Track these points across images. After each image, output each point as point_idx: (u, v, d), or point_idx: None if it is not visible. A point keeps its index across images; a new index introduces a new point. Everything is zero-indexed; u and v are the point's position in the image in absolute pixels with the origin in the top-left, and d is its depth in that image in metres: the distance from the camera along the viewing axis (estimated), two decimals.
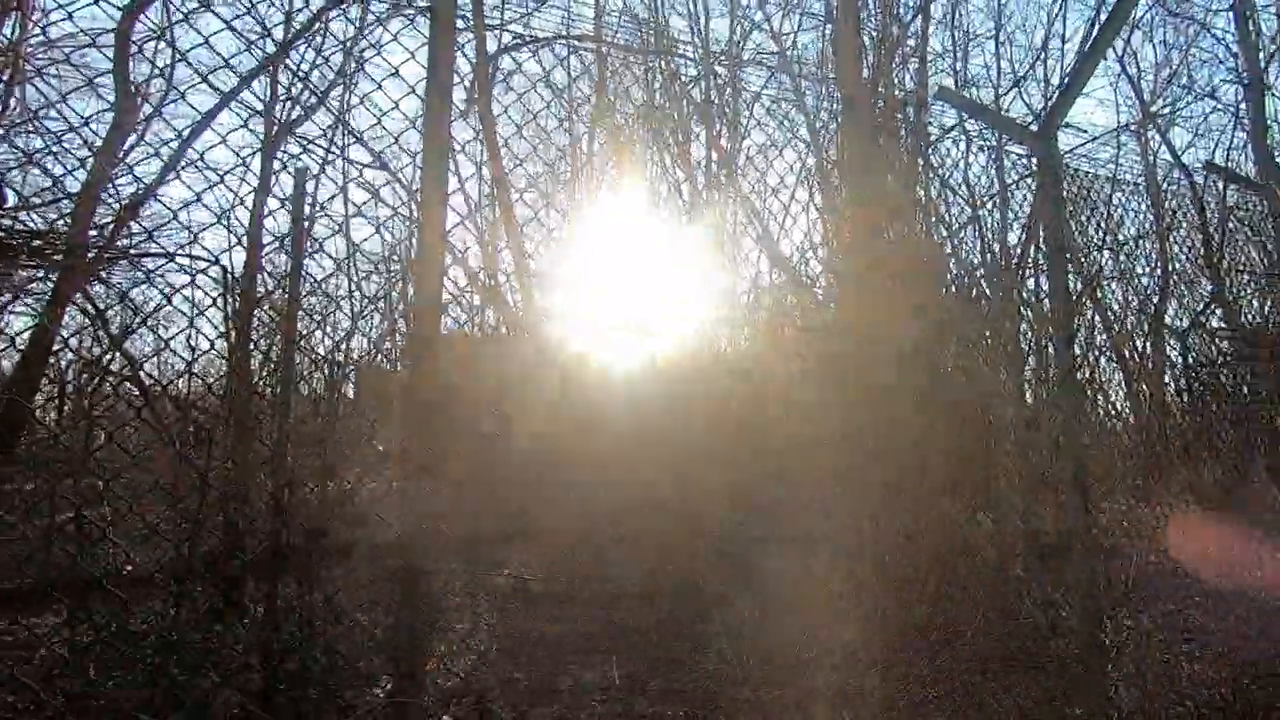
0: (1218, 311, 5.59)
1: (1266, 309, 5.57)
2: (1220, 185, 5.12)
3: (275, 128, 5.09)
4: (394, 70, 2.56)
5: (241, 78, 4.63)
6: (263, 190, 4.78)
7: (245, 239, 4.33)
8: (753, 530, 4.83)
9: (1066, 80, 2.45)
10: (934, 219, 5.44)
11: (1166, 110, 9.19)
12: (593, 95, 6.06)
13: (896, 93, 5.03)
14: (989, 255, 5.24)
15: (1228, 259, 5.43)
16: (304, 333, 4.42)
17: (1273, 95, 6.15)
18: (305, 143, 5.37)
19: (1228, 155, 8.69)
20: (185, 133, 4.43)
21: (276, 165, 5.26)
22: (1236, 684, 2.71)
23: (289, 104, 5.24)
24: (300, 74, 5.05)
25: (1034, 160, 2.70)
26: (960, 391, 5.04)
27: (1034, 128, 2.21)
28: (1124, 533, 4.09)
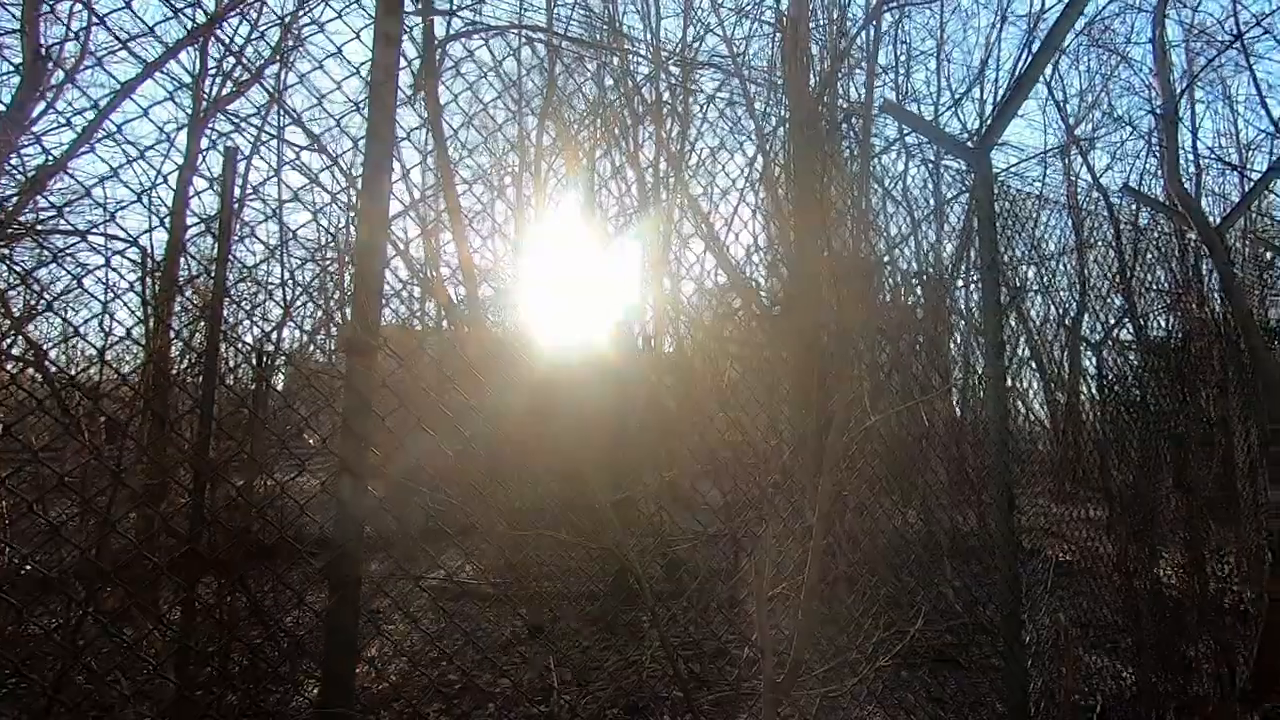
0: (1129, 326, 5.95)
1: (1170, 326, 5.96)
2: (1134, 207, 5.44)
3: (204, 103, 4.82)
4: (337, 50, 2.45)
5: (168, 47, 4.36)
6: (188, 168, 4.51)
7: (168, 219, 4.08)
8: (692, 528, 4.86)
9: (1003, 100, 2.55)
10: (874, 228, 5.60)
11: (1088, 135, 9.73)
12: (544, 88, 5.98)
13: (843, 103, 5.15)
14: (925, 265, 5.43)
15: (1138, 277, 5.78)
16: (231, 321, 4.20)
17: (1183, 125, 6.60)
18: (237, 120, 5.11)
19: (1141, 178, 9.27)
20: (103, 103, 4.15)
21: (204, 143, 4.98)
22: (1142, 678, 2.88)
23: (220, 79, 4.97)
24: (233, 48, 4.79)
25: (970, 176, 2.80)
26: (892, 396, 5.21)
27: (971, 144, 2.29)
28: (1043, 533, 4.29)
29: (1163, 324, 6.03)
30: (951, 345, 6.44)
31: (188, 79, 4.98)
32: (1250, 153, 10.28)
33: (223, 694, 2.81)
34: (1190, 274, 4.74)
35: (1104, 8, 9.16)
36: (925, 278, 6.32)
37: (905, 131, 4.73)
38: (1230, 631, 3.24)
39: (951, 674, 2.86)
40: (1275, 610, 3.11)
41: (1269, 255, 4.98)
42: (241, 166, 4.61)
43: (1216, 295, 4.52)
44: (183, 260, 4.13)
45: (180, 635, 2.49)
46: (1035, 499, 4.59)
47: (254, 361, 3.82)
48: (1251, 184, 4.33)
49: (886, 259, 5.58)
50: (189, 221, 4.40)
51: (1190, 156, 8.49)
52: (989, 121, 2.76)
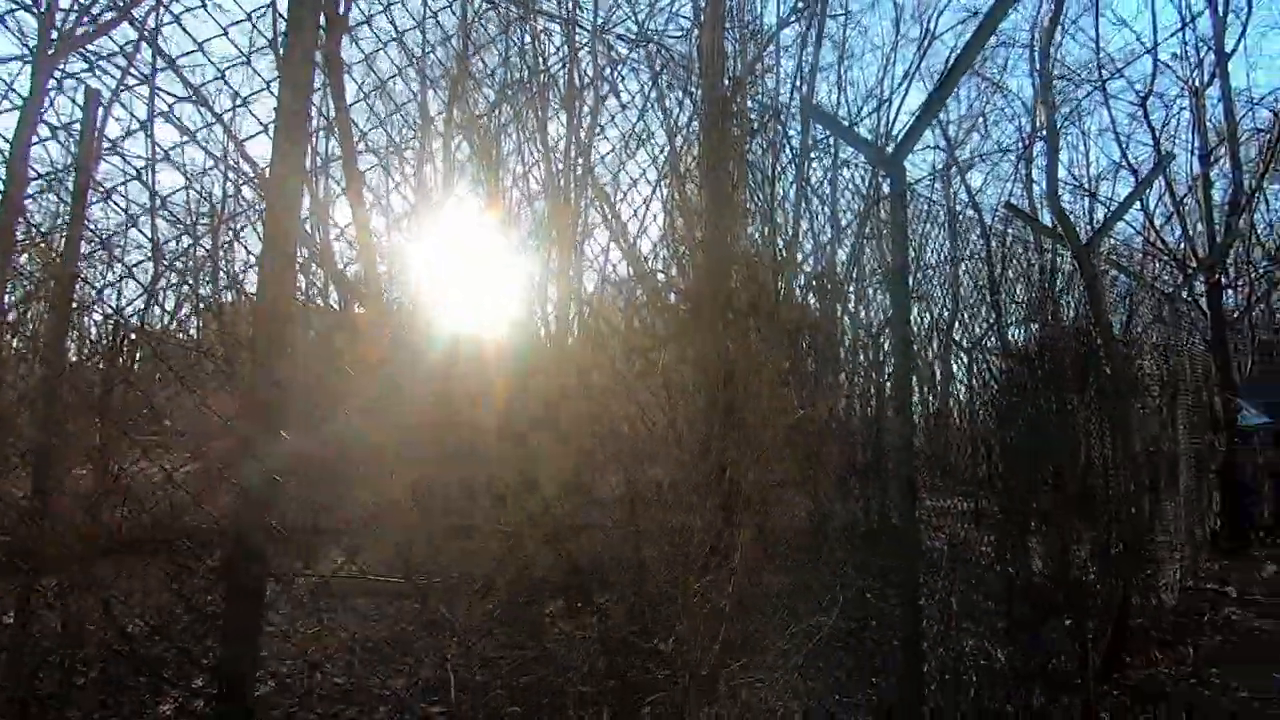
0: (995, 335, 6.50)
1: (1033, 335, 6.59)
2: (1004, 225, 5.94)
3: (54, 36, 4.21)
4: None
5: None
6: (31, 112, 3.92)
7: (4, 170, 3.53)
8: (593, 520, 4.80)
9: (920, 110, 2.66)
10: (781, 230, 5.76)
11: (968, 156, 10.53)
12: (451, 66, 5.70)
13: (755, 100, 5.25)
14: (825, 270, 5.63)
15: (1004, 290, 6.34)
16: (83, 290, 3.70)
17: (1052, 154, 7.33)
18: (94, 60, 4.50)
19: (1011, 195, 10.13)
20: None
21: (51, 84, 4.35)
22: (1012, 658, 3.11)
23: (75, 11, 4.36)
24: None
25: (885, 184, 2.94)
26: (793, 397, 5.38)
27: (888, 152, 2.38)
28: (931, 526, 4.57)
29: (1026, 333, 6.60)
30: (843, 350, 6.74)
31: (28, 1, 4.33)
32: (1099, 182, 11.49)
33: (63, 711, 2.47)
34: (1048, 287, 5.20)
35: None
36: (824, 280, 6.58)
37: (814, 132, 4.88)
38: (1088, 614, 3.57)
39: (851, 658, 2.98)
40: (1124, 594, 3.44)
41: (1119, 275, 5.56)
42: (99, 114, 4.06)
43: (1076, 308, 4.98)
44: (22, 219, 3.59)
45: (14, 639, 2.15)
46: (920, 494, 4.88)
47: (110, 337, 3.40)
48: (1113, 208, 4.82)
49: (789, 259, 5.75)
50: (30, 175, 3.83)
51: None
52: (903, 132, 2.90)
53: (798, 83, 8.33)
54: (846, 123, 9.43)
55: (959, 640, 2.79)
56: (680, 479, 4.53)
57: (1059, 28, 6.15)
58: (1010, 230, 6.42)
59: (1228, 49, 7.63)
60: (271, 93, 1.78)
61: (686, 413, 5.15)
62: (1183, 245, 7.88)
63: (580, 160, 6.41)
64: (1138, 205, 8.20)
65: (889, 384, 4.97)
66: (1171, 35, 8.01)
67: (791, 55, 8.00)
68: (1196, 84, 7.98)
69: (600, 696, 2.83)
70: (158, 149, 4.47)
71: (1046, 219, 6.96)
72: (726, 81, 5.66)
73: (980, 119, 11.07)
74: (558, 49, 6.20)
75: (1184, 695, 3.06)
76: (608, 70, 6.19)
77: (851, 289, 7.10)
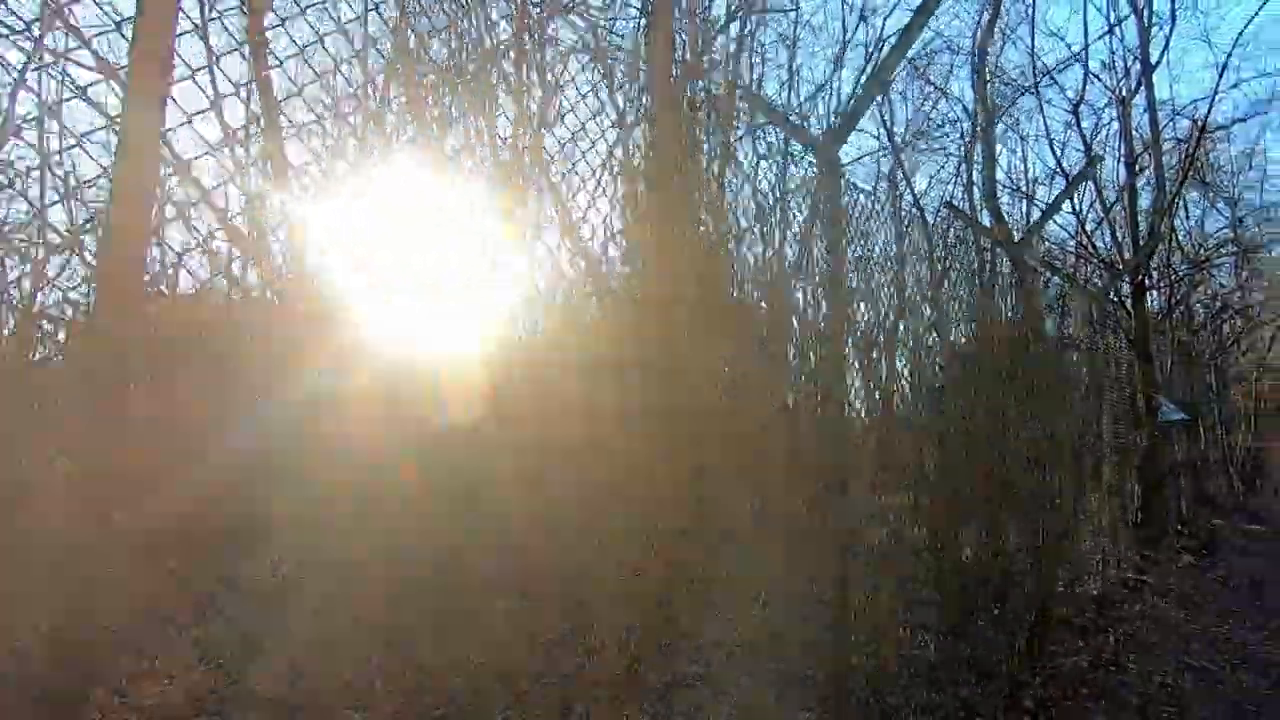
0: (936, 332, 6.66)
1: (971, 332, 6.78)
2: (946, 224, 6.07)
3: None
4: None
5: None
6: None
7: None
8: (485, 515, 4.72)
9: (853, 97, 2.65)
10: (725, 222, 5.75)
11: (911, 156, 10.77)
12: (392, 32, 5.46)
13: (705, 90, 5.23)
14: (769, 261, 5.64)
15: (946, 289, 6.50)
16: None
17: (987, 157, 7.55)
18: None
19: (953, 198, 10.39)
20: None
21: None
22: (940, 648, 3.15)
23: None
24: None
25: (816, 174, 2.95)
26: (735, 392, 5.38)
27: (822, 138, 2.36)
28: (863, 519, 4.60)
29: (965, 330, 6.75)
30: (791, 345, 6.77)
31: None
32: (1035, 186, 11.89)
33: None
34: (985, 285, 5.32)
35: (929, 43, 10.18)
36: (774, 277, 6.59)
37: (756, 119, 4.87)
38: (1014, 604, 3.64)
39: (781, 657, 2.99)
40: (1048, 585, 3.51)
41: (1051, 275, 5.73)
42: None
43: (1014, 307, 5.10)
44: None
45: None
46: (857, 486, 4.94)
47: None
48: (1044, 208, 4.96)
49: (737, 253, 5.74)
50: None
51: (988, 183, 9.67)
52: (838, 122, 2.89)
53: (747, 74, 8.34)
54: (796, 119, 9.54)
55: (894, 632, 2.81)
56: (620, 480, 4.48)
57: (993, 33, 6.37)
58: (953, 230, 6.58)
59: (1152, 60, 7.99)
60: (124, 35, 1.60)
61: (629, 411, 5.11)
62: (1111, 250, 8.22)
63: (529, 152, 6.28)
64: (1069, 209, 8.52)
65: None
66: (1099, 38, 8.30)
67: (740, 47, 8.01)
68: (1123, 93, 8.32)
69: (532, 694, 2.76)
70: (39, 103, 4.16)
71: (988, 220, 7.18)
72: (675, 72, 5.62)
73: (926, 122, 11.35)
74: (503, 41, 6.05)
75: (1100, 683, 3.15)
76: (557, 64, 6.08)
77: (799, 286, 7.16)
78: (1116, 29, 8.12)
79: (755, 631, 2.81)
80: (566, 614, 3.62)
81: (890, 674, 3.16)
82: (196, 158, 2.15)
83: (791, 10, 7.41)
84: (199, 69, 2.15)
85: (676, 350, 5.03)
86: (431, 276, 3.93)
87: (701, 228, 5.36)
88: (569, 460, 4.71)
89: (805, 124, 9.33)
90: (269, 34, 3.25)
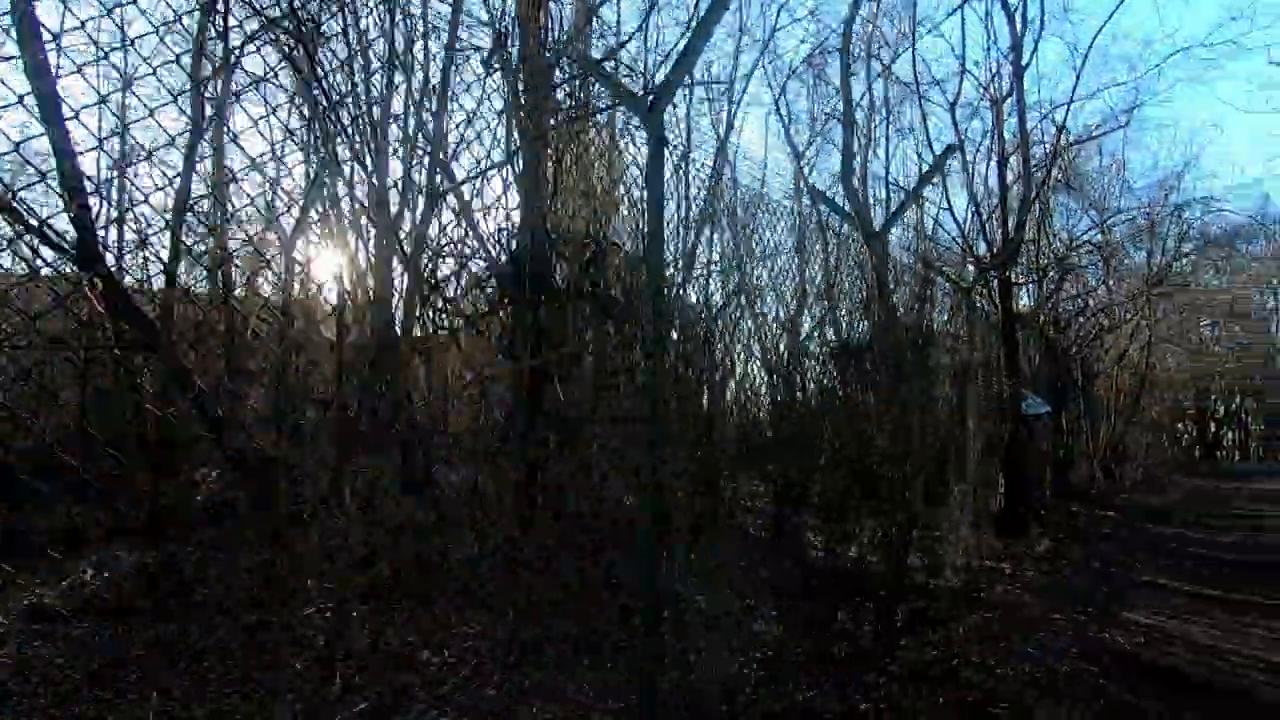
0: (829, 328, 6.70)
1: (859, 330, 6.86)
2: (840, 225, 6.09)
3: None
4: None
5: None
6: None
7: None
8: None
9: (672, 66, 2.46)
10: (613, 215, 5.53)
11: (812, 155, 10.94)
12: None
13: (569, 72, 4.97)
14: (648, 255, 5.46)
15: (838, 284, 6.54)
16: None
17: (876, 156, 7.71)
18: None
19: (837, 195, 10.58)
20: None
21: None
22: (780, 636, 3.01)
23: None
24: None
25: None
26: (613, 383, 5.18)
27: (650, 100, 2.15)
28: (742, 510, 4.46)
29: (856, 326, 6.77)
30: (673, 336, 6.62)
31: None
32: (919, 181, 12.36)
33: None
34: (875, 283, 5.30)
35: (824, 40, 10.36)
36: (653, 266, 6.40)
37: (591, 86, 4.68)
38: (868, 596, 3.56)
39: (596, 660, 2.79)
40: (901, 576, 3.44)
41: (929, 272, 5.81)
42: None
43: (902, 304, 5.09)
44: None
45: None
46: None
47: None
48: (904, 196, 4.99)
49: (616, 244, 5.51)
50: None
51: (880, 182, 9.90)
52: (660, 81, 2.69)
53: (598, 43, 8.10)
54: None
55: (745, 626, 2.64)
56: (487, 470, 4.19)
57: (854, 24, 6.50)
58: (845, 228, 6.60)
59: (1023, 63, 8.36)
60: None
61: (497, 400, 4.82)
62: (983, 246, 8.56)
63: (420, 137, 5.84)
64: (945, 207, 8.84)
65: (718, 374, 4.88)
66: (985, 50, 8.65)
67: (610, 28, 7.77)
68: (996, 95, 8.68)
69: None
70: None
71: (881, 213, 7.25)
72: (547, 54, 5.35)
73: (825, 120, 11.56)
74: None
75: (943, 677, 3.11)
76: (440, 53, 5.70)
77: (680, 276, 7.03)
78: (991, 33, 8.47)
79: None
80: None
81: (731, 674, 3.00)
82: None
83: None
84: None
85: (543, 339, 4.78)
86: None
87: (576, 213, 5.10)
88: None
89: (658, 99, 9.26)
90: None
